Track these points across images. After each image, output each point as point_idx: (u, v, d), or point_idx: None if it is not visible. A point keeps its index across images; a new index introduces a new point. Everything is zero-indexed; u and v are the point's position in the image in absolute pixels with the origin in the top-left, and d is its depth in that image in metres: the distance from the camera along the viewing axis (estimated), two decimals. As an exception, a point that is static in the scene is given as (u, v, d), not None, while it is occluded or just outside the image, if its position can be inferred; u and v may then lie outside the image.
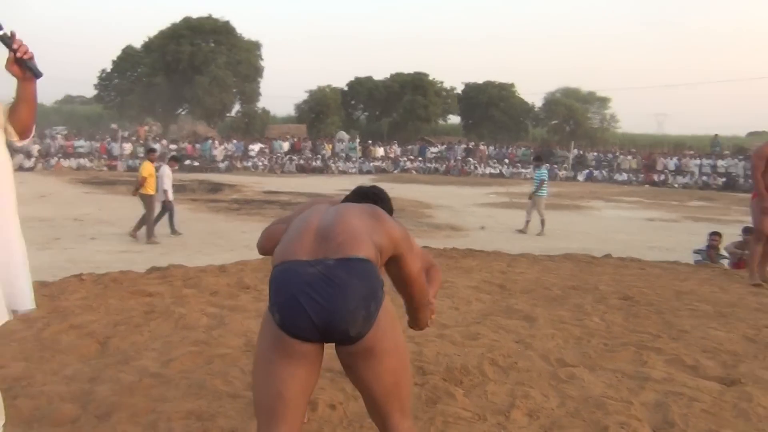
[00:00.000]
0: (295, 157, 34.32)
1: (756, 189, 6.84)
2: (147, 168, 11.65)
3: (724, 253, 9.59)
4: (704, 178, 30.81)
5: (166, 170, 12.02)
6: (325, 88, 44.80)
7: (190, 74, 39.81)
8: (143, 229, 11.17)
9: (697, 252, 9.51)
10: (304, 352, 2.01)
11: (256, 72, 43.63)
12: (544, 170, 14.49)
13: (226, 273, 6.33)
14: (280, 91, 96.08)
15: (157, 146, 31.22)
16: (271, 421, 2.02)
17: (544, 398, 3.35)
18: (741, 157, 32.14)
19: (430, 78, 47.12)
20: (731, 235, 10.76)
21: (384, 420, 2.15)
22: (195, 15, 41.84)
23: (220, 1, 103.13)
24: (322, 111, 43.69)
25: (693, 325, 4.81)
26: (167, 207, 11.89)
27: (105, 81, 42.32)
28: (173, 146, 32.20)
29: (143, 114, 41.65)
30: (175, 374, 3.49)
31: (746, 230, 8.97)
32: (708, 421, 3.11)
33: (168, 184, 11.84)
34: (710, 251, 9.30)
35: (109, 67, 41.95)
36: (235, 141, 34.56)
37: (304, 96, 45.14)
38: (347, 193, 2.78)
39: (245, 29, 75.62)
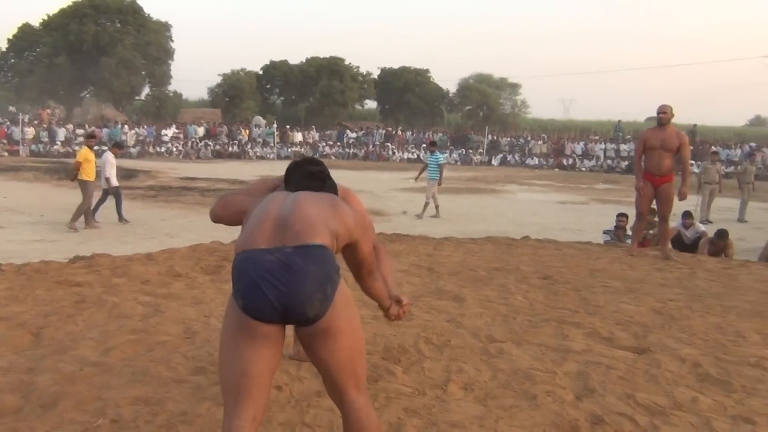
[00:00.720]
0: (210, 143, 33.55)
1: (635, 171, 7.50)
2: (83, 153, 11.37)
3: (630, 233, 10.23)
4: (609, 161, 32.45)
5: (108, 157, 11.83)
6: (239, 72, 43.84)
7: (95, 55, 37.98)
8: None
9: (606, 233, 10.10)
10: (266, 333, 2.12)
11: (167, 54, 42.16)
12: (439, 155, 14.83)
13: (154, 261, 6.24)
14: (193, 74, 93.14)
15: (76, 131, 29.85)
16: (238, 398, 2.12)
17: (477, 372, 3.58)
18: (641, 141, 34.02)
19: (346, 63, 47.04)
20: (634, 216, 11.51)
21: (340, 395, 2.29)
22: (99, -7, 39.87)
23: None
24: (237, 95, 42.77)
25: (607, 301, 5.20)
26: (109, 193, 11.67)
27: (1, 61, 39.76)
28: (80, 130, 30.73)
29: (44, 96, 39.46)
30: (117, 362, 3.49)
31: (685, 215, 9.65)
32: (623, 386, 3.42)
33: (110, 171, 11.66)
34: (618, 231, 9.89)
35: (3, 46, 39.49)
36: (146, 126, 33.36)
37: (218, 80, 44.07)
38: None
39: (154, 9, 72.81)
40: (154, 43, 40.03)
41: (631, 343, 4.17)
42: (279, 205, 2.29)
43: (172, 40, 42.37)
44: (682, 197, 7.51)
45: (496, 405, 3.16)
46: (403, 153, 35.63)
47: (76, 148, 29.27)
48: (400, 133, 38.75)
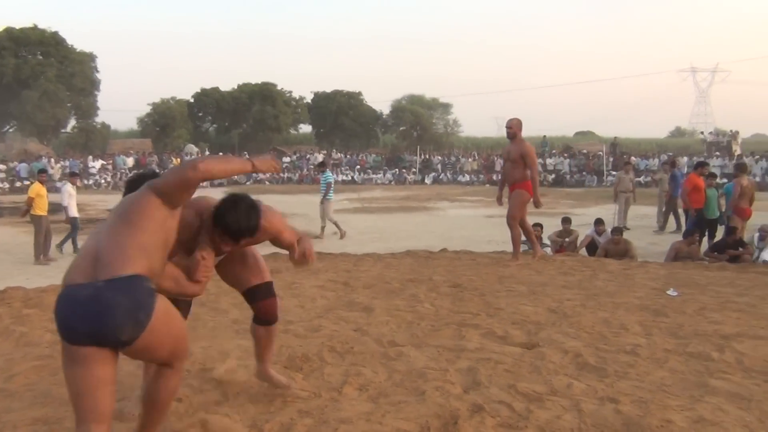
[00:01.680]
0: (141, 173, 32.94)
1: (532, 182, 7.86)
2: (35, 189, 11.39)
3: (546, 241, 10.72)
4: (537, 176, 33.50)
5: (67, 188, 11.94)
6: (170, 101, 43.39)
7: (16, 88, 36.95)
8: (53, 249, 11.17)
9: (523, 242, 10.54)
10: (86, 354, 2.29)
11: (92, 85, 41.43)
12: (329, 174, 15.14)
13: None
14: (121, 104, 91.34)
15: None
16: (80, 415, 2.34)
17: (374, 374, 3.79)
18: (566, 155, 35.33)
19: (279, 88, 47.19)
20: (554, 225, 12.04)
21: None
22: (18, 25, 38.95)
23: (47, 12, 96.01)
24: (168, 124, 42.27)
25: (508, 303, 5.52)
26: (73, 224, 11.64)
27: None
28: (2, 166, 29.77)
29: (-37, 132, 38.12)
30: (19, 387, 3.56)
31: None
32: (507, 377, 3.70)
33: (70, 202, 11.74)
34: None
35: None
36: (71, 159, 32.55)
37: (147, 109, 43.46)
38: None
39: (77, 41, 71.21)
40: (78, 74, 39.27)
41: (523, 339, 4.47)
42: (98, 237, 2.44)
43: (97, 71, 41.72)
44: (537, 205, 7.97)
45: (387, 401, 3.38)
46: (338, 175, 35.84)
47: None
48: (334, 155, 39.01)
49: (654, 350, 4.15)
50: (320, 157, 38.21)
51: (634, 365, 3.88)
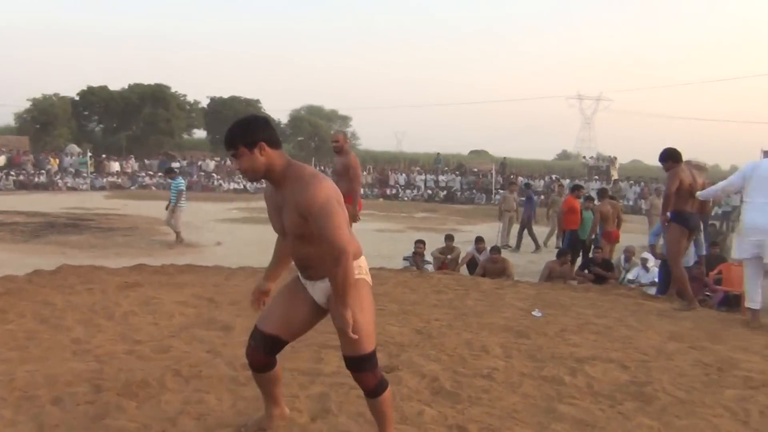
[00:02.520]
0: (13, 173, 30.66)
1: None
2: None
3: (428, 258, 10.78)
4: (429, 191, 34.13)
5: None
6: (52, 97, 40.82)
7: None
8: None
9: (405, 258, 10.55)
10: None
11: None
12: (180, 180, 14.85)
13: None
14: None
15: None
16: None
17: (217, 401, 3.53)
18: (458, 172, 36.26)
19: (173, 90, 45.61)
20: (437, 241, 12.17)
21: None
22: None
23: None
24: (49, 122, 39.77)
25: (376, 323, 5.37)
26: None
27: None
28: None
29: None
30: None
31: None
32: (359, 404, 3.53)
33: None
34: (416, 257, 10.38)
35: None
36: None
37: (27, 105, 40.64)
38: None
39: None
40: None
41: (384, 362, 4.31)
42: None
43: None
44: (352, 219, 7.95)
45: (222, 433, 3.13)
46: (230, 184, 34.95)
47: None
48: (227, 163, 37.98)
49: (510, 374, 4.14)
50: (212, 164, 37.19)
51: (489, 390, 3.83)
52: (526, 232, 16.02)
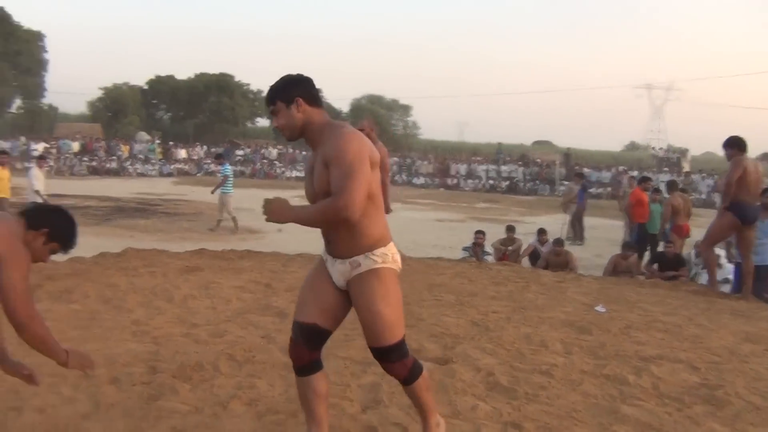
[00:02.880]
0: (86, 159, 31.91)
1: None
2: None
3: (488, 249, 10.58)
4: (491, 182, 33.68)
5: (34, 171, 11.60)
6: (123, 86, 42.24)
7: (-44, 65, 35.52)
8: None
9: (465, 249, 10.38)
10: None
11: (39, 65, 40.00)
12: (227, 167, 14.84)
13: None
14: (71, 87, 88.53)
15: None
16: None
17: (269, 387, 3.50)
18: (520, 163, 35.64)
19: (237, 80, 46.45)
20: (498, 232, 11.93)
21: None
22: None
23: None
24: (120, 110, 41.18)
25: (430, 314, 5.28)
26: None
27: None
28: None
29: None
30: None
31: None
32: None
33: (39, 185, 11.31)
34: (475, 248, 10.19)
35: None
36: (11, 140, 31.28)
37: (99, 93, 42.16)
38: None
39: (25, 18, 68.63)
40: (24, 52, 37.83)
41: (437, 354, 4.23)
42: None
43: (45, 51, 40.28)
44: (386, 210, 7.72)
45: (273, 420, 3.11)
46: (292, 171, 35.40)
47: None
48: (290, 151, 38.50)
49: (570, 371, 3.96)
50: (275, 152, 37.74)
51: (547, 387, 3.68)
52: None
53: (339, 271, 2.66)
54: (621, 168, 33.55)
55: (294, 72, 2.69)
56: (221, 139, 42.23)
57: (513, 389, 3.61)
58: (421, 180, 34.39)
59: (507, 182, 33.02)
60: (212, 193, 14.84)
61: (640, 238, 10.52)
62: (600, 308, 5.80)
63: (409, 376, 2.69)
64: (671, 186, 11.08)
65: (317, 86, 2.69)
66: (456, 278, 7.15)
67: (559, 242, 10.10)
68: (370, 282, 2.60)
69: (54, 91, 47.02)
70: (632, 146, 68.46)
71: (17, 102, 39.82)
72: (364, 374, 3.77)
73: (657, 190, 11.55)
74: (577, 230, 15.34)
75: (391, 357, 2.66)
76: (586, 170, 32.54)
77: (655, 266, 9.54)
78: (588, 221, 17.95)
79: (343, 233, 2.56)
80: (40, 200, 11.09)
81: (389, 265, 2.65)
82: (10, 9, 38.84)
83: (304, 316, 2.77)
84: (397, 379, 2.74)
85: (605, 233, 16.11)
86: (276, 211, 2.53)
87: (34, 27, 40.15)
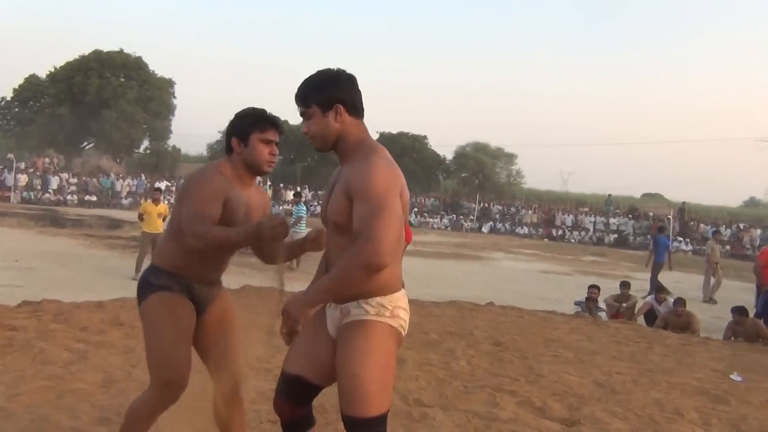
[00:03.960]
0: (203, 197, 33.61)
1: None
2: (143, 206, 11.73)
3: (602, 305, 10.16)
4: (598, 234, 32.54)
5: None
6: (239, 129, 44.50)
7: (97, 107, 38.69)
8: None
9: (577, 303, 10.02)
10: None
11: (168, 109, 42.97)
12: (302, 207, 14.80)
13: (102, 309, 6.16)
14: (193, 129, 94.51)
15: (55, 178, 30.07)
16: None
17: (402, 434, 3.46)
18: (631, 216, 34.25)
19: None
20: (611, 288, 11.44)
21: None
22: (106, 48, 40.96)
23: (134, 36, 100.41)
24: (235, 152, 43.29)
25: (551, 370, 5.09)
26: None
27: (4, 109, 40.48)
28: (74, 179, 31.02)
29: (44, 145, 39.96)
30: (20, 408, 3.38)
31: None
32: (540, 457, 3.31)
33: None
34: (589, 303, 9.81)
35: (9, 95, 40.29)
36: (138, 178, 33.61)
37: (218, 136, 44.63)
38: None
39: (158, 65, 74.22)
40: (156, 98, 40.84)
41: (563, 414, 4.06)
42: None
43: (174, 96, 43.26)
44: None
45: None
46: (395, 216, 35.73)
47: (68, 196, 29.54)
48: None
49: (712, 444, 3.68)
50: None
51: (688, 460, 3.42)
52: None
53: (331, 317, 2.28)
54: (742, 225, 31.52)
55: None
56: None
57: (650, 459, 3.39)
58: (524, 230, 33.75)
59: (615, 235, 31.78)
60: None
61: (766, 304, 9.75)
62: (736, 377, 5.39)
63: None
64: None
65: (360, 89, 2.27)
66: (572, 334, 6.89)
67: (681, 302, 9.53)
68: (355, 336, 2.14)
69: (178, 134, 50.12)
70: (752, 202, 64.35)
71: (145, 143, 42.94)
72: (487, 430, 3.65)
73: (790, 251, 10.72)
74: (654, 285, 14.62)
75: None
76: (703, 226, 30.91)
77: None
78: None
79: None
80: None
81: (385, 320, 2.17)
82: (147, 59, 42.05)
83: (290, 365, 2.37)
84: None
85: (726, 293, 15.12)
86: (291, 314, 2.12)
87: (167, 75, 43.37)
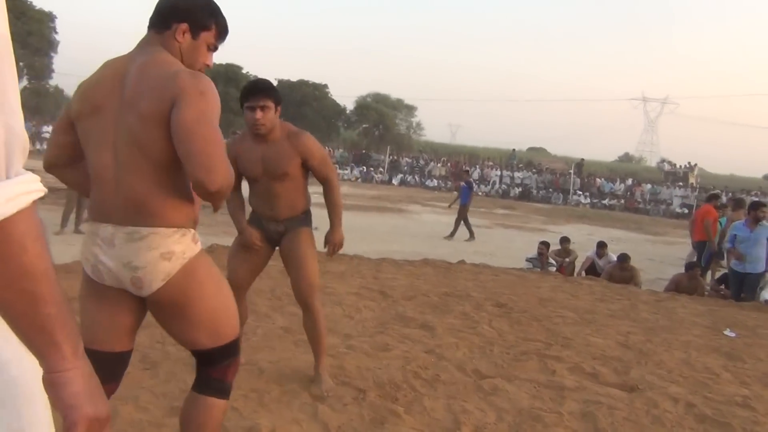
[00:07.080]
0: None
1: None
2: None
3: (551, 261, 10.45)
4: (504, 187, 33.60)
5: None
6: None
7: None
8: None
9: (529, 260, 10.22)
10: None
11: (49, 45, 39.35)
12: None
13: (73, 273, 5.50)
14: (80, 70, 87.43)
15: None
16: None
17: (481, 413, 3.31)
18: (534, 170, 35.59)
19: (244, 71, 45.96)
20: (535, 242, 11.77)
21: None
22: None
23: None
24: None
25: (572, 332, 5.12)
26: None
27: None
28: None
29: None
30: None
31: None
32: (632, 428, 3.28)
33: None
34: (542, 258, 10.06)
35: None
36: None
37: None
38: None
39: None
40: (35, 32, 37.18)
41: (616, 379, 4.07)
42: None
43: (56, 32, 39.62)
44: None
45: (521, 452, 2.92)
46: (302, 167, 35.09)
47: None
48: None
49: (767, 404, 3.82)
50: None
51: (759, 423, 3.52)
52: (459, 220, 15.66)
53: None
54: (634, 180, 33.61)
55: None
56: (225, 130, 41.70)
57: (726, 423, 3.45)
58: (433, 182, 34.21)
59: (520, 189, 32.95)
60: None
61: (709, 256, 10.42)
62: (729, 333, 5.67)
63: (230, 384, 2.07)
64: (739, 203, 10.98)
65: None
66: (557, 292, 7.00)
67: (626, 257, 9.96)
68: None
69: (62, 73, 46.12)
70: (625, 157, 68.73)
71: (24, 82, 39.18)
72: (564, 401, 3.58)
73: (723, 206, 11.46)
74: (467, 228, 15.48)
75: (236, 350, 2.05)
76: (598, 180, 32.65)
77: (722, 285, 9.45)
78: (610, 233, 17.97)
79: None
80: None
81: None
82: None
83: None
84: (223, 386, 2.02)
85: (631, 246, 16.08)
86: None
87: (46, 7, 39.59)
